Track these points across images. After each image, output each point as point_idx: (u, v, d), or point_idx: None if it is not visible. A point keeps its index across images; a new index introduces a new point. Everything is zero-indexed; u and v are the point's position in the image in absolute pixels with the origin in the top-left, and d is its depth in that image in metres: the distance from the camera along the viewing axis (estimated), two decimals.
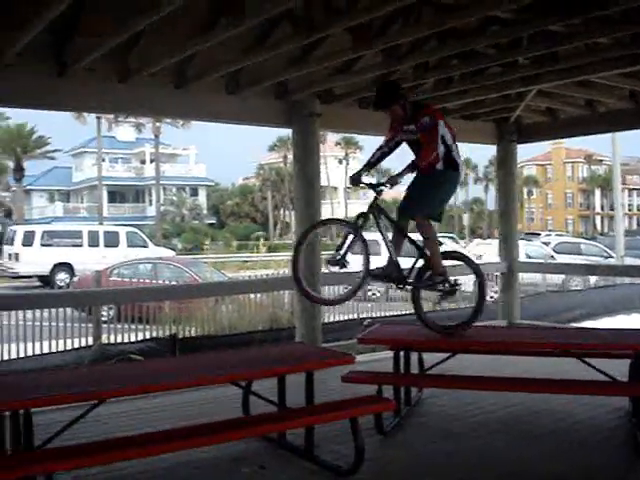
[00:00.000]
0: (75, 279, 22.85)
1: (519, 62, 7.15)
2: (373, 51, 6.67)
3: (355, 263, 5.80)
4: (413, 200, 5.96)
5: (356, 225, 5.69)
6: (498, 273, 10.65)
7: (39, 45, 5.79)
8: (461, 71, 7.48)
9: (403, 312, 11.51)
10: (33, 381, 4.58)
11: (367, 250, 5.65)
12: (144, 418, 5.93)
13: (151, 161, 58.27)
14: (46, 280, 27.37)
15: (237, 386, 5.36)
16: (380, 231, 5.94)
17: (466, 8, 5.52)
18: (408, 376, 6.09)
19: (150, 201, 58.99)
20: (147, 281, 16.57)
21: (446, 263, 6.11)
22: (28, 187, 58.64)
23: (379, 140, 6.13)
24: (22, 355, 8.55)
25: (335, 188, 64.73)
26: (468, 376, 6.04)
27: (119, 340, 9.55)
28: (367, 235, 5.70)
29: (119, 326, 10.03)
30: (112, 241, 29.44)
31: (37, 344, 8.86)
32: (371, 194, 5.90)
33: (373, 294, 16.61)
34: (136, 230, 32.25)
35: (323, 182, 61.49)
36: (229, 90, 7.42)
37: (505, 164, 10.49)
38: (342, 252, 5.70)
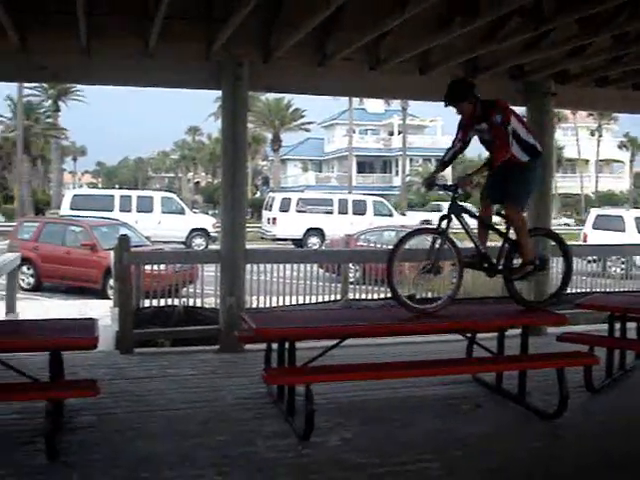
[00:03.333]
0: (327, 241, 24.64)
1: None
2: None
3: None
4: (514, 196, 6.03)
5: (440, 230, 5.74)
6: None
7: (304, 40, 6.88)
8: None
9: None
10: (295, 315, 5.69)
11: (458, 249, 5.82)
12: (381, 354, 6.99)
13: (399, 132, 59.80)
14: (299, 244, 29.42)
15: (463, 336, 6.21)
16: (464, 227, 6.01)
17: None
18: (623, 340, 6.53)
19: (397, 171, 60.54)
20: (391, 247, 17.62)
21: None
22: (284, 157, 62.69)
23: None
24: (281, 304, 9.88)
25: (586, 161, 62.16)
26: None
27: (363, 297, 10.59)
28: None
29: (363, 287, 11.03)
30: (360, 209, 31.03)
31: (293, 297, 10.01)
32: None
33: (614, 270, 16.30)
34: (382, 200, 33.66)
35: (573, 154, 59.53)
36: (467, 74, 8.13)
37: None
38: (432, 259, 5.77)
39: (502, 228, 6.18)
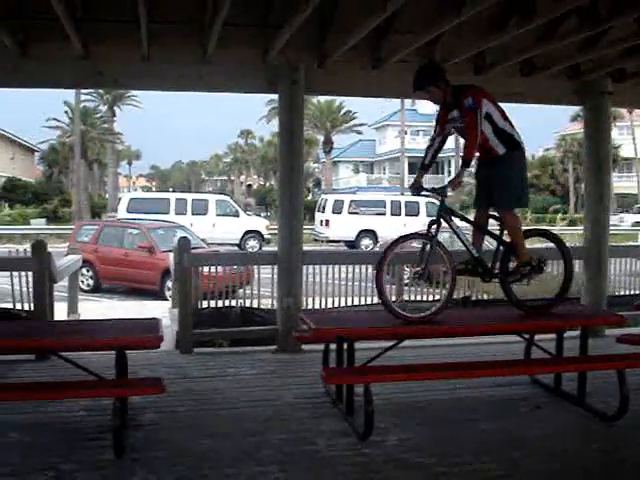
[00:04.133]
0: (379, 243, 24.61)
1: None
2: None
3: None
4: (502, 195, 5.82)
5: (430, 235, 5.57)
6: None
7: (358, 44, 6.93)
8: None
9: None
10: (352, 316, 5.75)
11: (449, 255, 5.65)
12: (436, 355, 7.00)
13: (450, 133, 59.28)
14: (352, 245, 29.52)
15: (521, 337, 6.20)
16: (454, 231, 5.81)
17: None
18: None
19: (449, 172, 60.10)
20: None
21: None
22: (336, 159, 62.82)
23: None
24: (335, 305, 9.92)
25: None
26: None
27: (417, 299, 10.59)
28: None
29: (418, 288, 11.02)
30: (413, 210, 30.91)
31: (348, 299, 10.01)
32: None
33: None
34: (435, 201, 33.36)
35: (629, 154, 58.22)
36: (524, 73, 8.09)
37: None
38: (423, 265, 5.62)
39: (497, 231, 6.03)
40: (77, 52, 6.92)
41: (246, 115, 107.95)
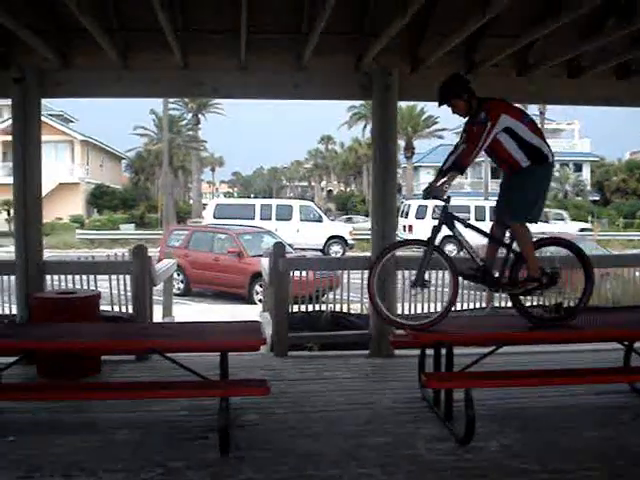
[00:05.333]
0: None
1: None
2: None
3: None
4: (512, 206, 5.70)
5: (431, 242, 5.53)
6: None
7: (452, 49, 6.93)
8: None
9: None
10: (448, 321, 5.72)
11: (451, 261, 5.57)
12: (532, 362, 6.94)
13: None
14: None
15: (621, 344, 6.08)
16: (457, 238, 5.74)
17: None
18: None
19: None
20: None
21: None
22: (417, 164, 62.45)
23: None
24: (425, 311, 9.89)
25: None
26: None
27: (508, 305, 10.48)
28: None
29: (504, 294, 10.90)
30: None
31: (438, 304, 9.94)
32: None
33: None
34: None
35: None
36: (619, 76, 7.93)
37: None
38: (420, 273, 5.57)
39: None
40: (177, 62, 7.16)
41: (330, 121, 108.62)
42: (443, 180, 5.53)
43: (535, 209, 5.71)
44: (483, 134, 5.37)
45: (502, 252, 5.93)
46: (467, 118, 5.73)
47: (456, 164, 5.54)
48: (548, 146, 5.69)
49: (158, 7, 5.67)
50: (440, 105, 5.78)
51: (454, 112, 5.74)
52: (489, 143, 5.41)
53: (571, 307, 6.79)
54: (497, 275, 5.76)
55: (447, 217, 5.66)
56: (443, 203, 5.63)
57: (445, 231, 5.67)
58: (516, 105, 5.82)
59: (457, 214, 5.77)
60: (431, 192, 5.58)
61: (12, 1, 5.94)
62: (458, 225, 5.71)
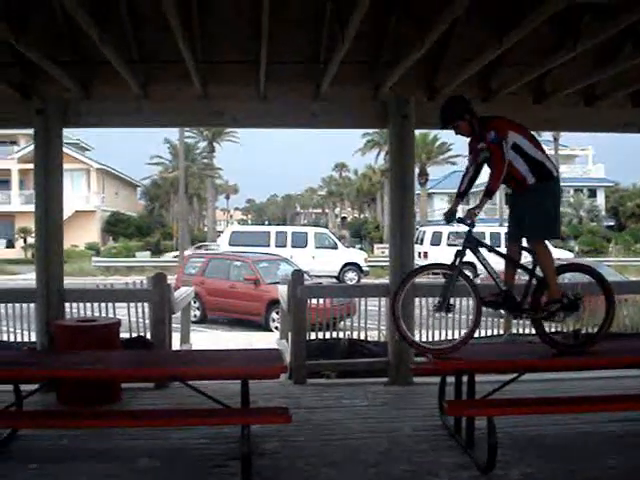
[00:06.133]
0: (481, 275, 24.30)
1: None
2: None
3: None
4: (532, 225, 5.65)
5: (454, 266, 5.51)
6: None
7: (469, 77, 6.99)
8: None
9: None
10: (468, 349, 5.71)
11: (474, 286, 5.59)
12: (552, 389, 6.82)
13: None
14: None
15: None
16: (481, 262, 5.76)
17: None
18: None
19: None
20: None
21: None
22: (430, 190, 62.54)
23: None
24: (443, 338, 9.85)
25: None
26: None
27: (526, 332, 10.43)
28: None
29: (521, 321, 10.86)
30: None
31: (455, 331, 9.92)
32: None
33: None
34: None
35: None
36: (634, 104, 7.96)
37: None
38: (445, 297, 5.56)
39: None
40: (197, 92, 7.26)
41: (343, 149, 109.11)
42: (475, 205, 5.54)
43: (554, 225, 5.76)
44: (502, 153, 5.41)
45: (521, 277, 5.95)
46: (470, 139, 5.79)
47: (487, 189, 5.50)
48: (551, 161, 5.73)
49: (179, 38, 5.76)
50: (443, 128, 5.85)
51: (457, 133, 5.79)
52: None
53: (590, 334, 6.79)
54: (519, 300, 5.72)
55: (471, 242, 5.65)
56: (468, 228, 5.60)
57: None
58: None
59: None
60: (466, 216, 5.52)
61: (35, 33, 6.08)
62: (482, 250, 5.72)
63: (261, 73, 6.80)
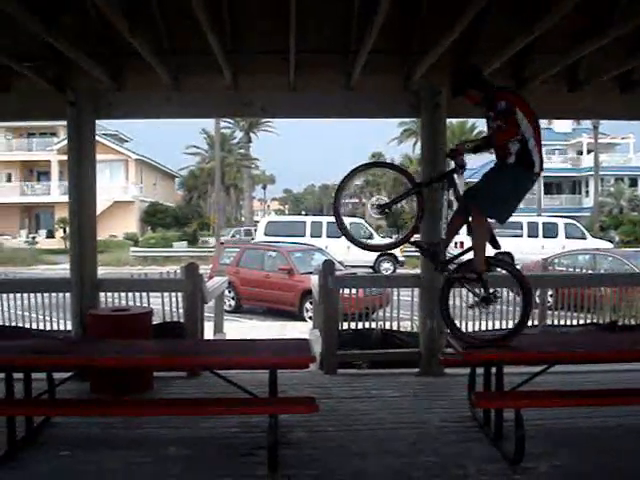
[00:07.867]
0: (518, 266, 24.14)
1: None
2: None
3: None
4: (480, 192, 5.56)
5: (418, 182, 5.58)
6: None
7: (500, 65, 6.89)
8: None
9: None
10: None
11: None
12: (582, 381, 6.80)
13: (588, 151, 57.48)
14: (487, 268, 28.92)
15: None
16: (444, 203, 5.71)
17: None
18: None
19: (587, 192, 58.11)
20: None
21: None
22: (468, 180, 61.89)
23: None
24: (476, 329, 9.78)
25: None
26: None
27: (561, 323, 10.31)
28: None
29: (556, 312, 10.73)
30: (551, 232, 30.10)
31: (489, 322, 9.84)
32: None
33: None
34: (574, 222, 32.43)
35: None
36: None
37: None
38: (392, 200, 5.71)
39: None
40: (227, 83, 7.28)
41: (380, 137, 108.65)
42: (470, 140, 5.55)
43: (500, 206, 5.52)
44: (514, 123, 5.29)
45: None
46: (484, 108, 5.62)
47: (488, 137, 5.52)
48: (540, 157, 5.53)
49: (208, 29, 5.78)
50: (455, 96, 5.82)
51: (469, 102, 5.69)
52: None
53: (627, 325, 6.70)
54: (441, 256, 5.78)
55: (449, 178, 5.70)
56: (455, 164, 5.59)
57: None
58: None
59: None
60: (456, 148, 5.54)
61: (68, 26, 6.14)
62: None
63: (290, 63, 6.81)
